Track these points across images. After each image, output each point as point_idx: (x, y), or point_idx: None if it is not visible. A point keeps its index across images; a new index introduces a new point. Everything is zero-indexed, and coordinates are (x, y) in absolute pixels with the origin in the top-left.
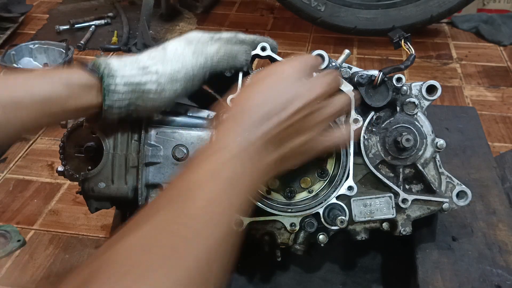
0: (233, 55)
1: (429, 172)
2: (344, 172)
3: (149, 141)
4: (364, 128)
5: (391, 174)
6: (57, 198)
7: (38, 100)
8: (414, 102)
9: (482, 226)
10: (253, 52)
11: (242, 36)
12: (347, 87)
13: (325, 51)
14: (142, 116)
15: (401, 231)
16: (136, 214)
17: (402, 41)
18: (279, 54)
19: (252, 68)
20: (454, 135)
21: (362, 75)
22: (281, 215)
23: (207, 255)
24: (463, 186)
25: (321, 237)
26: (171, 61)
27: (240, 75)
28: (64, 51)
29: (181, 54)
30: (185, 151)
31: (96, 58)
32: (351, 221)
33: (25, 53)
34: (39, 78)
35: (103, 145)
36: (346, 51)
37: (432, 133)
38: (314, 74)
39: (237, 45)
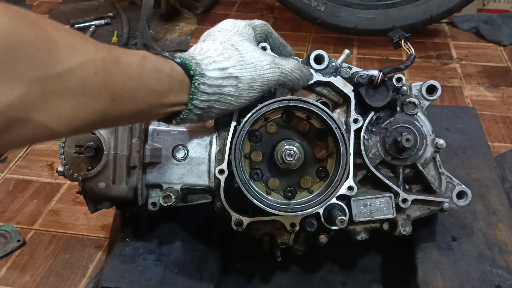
0: (301, 78)
1: (429, 172)
2: (344, 172)
3: (149, 141)
4: (364, 128)
5: (391, 174)
6: (57, 198)
7: (150, 92)
8: (414, 102)
9: (482, 226)
10: None
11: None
12: (347, 87)
13: (325, 51)
14: (212, 119)
15: (401, 231)
16: None
17: (402, 41)
18: None
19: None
20: (454, 135)
21: (362, 75)
22: (281, 215)
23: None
24: (463, 186)
25: (321, 237)
26: (249, 67)
27: None
28: None
29: (259, 60)
30: (185, 151)
31: (179, 54)
32: (351, 221)
33: None
34: (151, 66)
35: (103, 145)
36: (346, 51)
37: (432, 133)
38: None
39: (305, 68)
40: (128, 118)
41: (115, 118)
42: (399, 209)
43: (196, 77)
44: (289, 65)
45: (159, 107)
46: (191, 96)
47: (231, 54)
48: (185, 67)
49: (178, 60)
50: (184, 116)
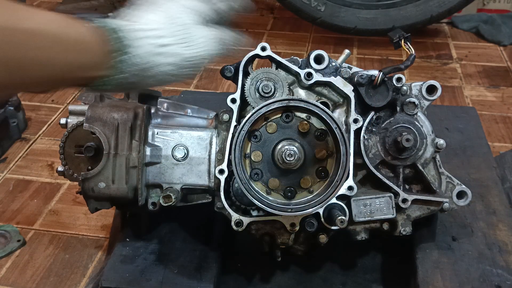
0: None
1: (429, 172)
2: (344, 172)
3: (149, 141)
4: (364, 128)
5: (391, 174)
6: (57, 198)
7: (60, 64)
8: (414, 102)
9: (482, 226)
10: (253, 52)
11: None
12: (347, 87)
13: (325, 51)
14: (140, 89)
15: (401, 231)
16: None
17: (402, 41)
18: (279, 54)
19: (253, 68)
20: (454, 135)
21: (362, 75)
22: (281, 215)
23: None
24: (463, 186)
25: (321, 237)
26: (197, 45)
27: (240, 74)
28: None
29: (206, 38)
30: (185, 151)
31: (103, 18)
32: (351, 221)
33: None
34: (73, 39)
35: (103, 145)
36: (346, 51)
37: (432, 133)
38: None
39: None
40: (32, 87)
41: (15, 88)
42: (399, 209)
43: (118, 46)
44: (231, 34)
45: (72, 78)
46: (114, 67)
47: (178, 32)
48: (107, 36)
49: (108, 27)
50: (103, 87)
